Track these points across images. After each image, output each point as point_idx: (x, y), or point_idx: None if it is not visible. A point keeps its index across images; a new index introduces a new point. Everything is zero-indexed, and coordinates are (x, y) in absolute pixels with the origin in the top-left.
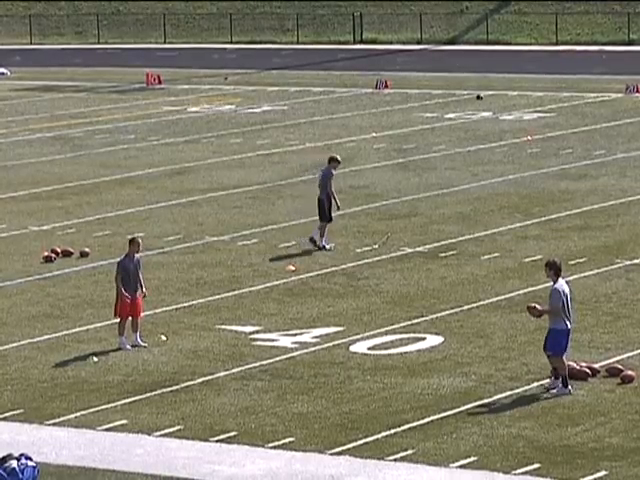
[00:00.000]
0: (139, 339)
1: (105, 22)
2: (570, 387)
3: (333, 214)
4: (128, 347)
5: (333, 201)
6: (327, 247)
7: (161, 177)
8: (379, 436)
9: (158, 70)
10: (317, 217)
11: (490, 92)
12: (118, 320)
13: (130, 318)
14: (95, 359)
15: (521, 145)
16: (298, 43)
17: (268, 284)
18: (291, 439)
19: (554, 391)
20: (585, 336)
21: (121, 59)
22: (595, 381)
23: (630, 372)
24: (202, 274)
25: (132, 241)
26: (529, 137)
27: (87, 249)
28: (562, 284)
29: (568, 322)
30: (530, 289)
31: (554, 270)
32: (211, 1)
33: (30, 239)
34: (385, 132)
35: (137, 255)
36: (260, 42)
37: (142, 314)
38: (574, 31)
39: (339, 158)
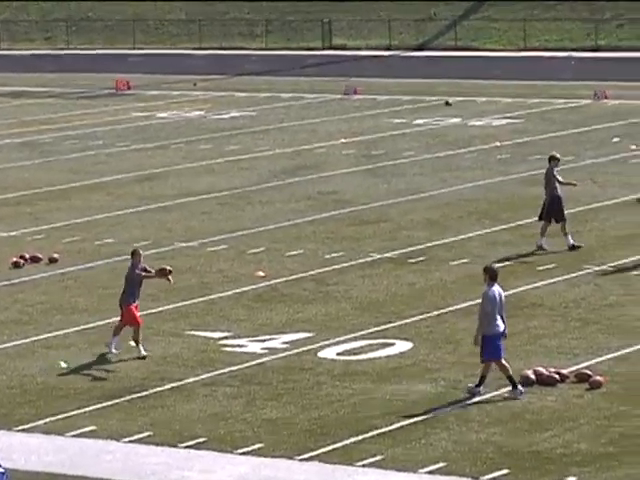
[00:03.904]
0: (142, 348)
1: (74, 28)
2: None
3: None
4: (114, 351)
5: (564, 184)
6: (544, 246)
7: (130, 183)
8: (348, 442)
9: (127, 76)
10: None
11: (459, 98)
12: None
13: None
14: (64, 365)
15: (490, 151)
16: (267, 49)
17: (237, 290)
18: (260, 445)
19: (470, 393)
20: (554, 342)
21: (90, 65)
22: (564, 387)
23: (599, 378)
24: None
25: (134, 252)
26: (498, 143)
27: (56, 255)
28: (494, 289)
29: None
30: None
31: (489, 274)
32: (180, 6)
33: None
34: (354, 138)
35: (141, 265)
36: (229, 48)
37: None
38: (542, 37)
39: (558, 156)
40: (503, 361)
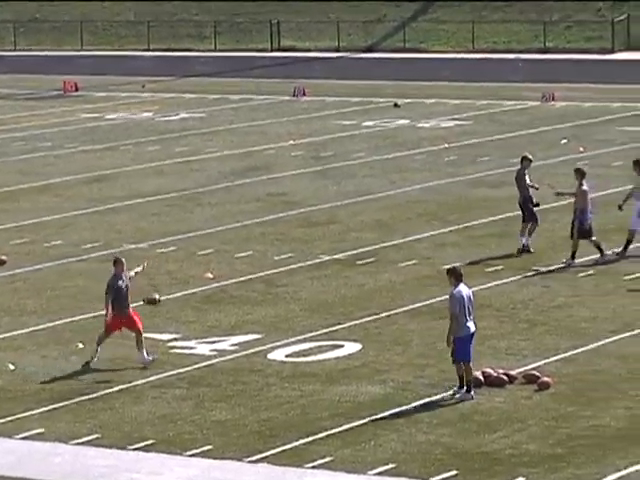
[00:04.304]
0: (146, 356)
1: (22, 29)
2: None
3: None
4: (96, 360)
5: (532, 188)
6: (530, 249)
7: (79, 185)
8: (297, 443)
9: (75, 77)
10: None
11: (408, 100)
12: (104, 331)
13: (133, 335)
14: (12, 367)
15: (439, 152)
16: (216, 50)
17: (186, 291)
18: (209, 447)
19: (457, 396)
20: (502, 343)
21: (38, 66)
22: (512, 388)
23: (547, 379)
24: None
25: (116, 261)
26: (447, 144)
27: (4, 257)
28: (461, 289)
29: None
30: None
31: (454, 275)
32: (129, 7)
33: None
34: (303, 139)
35: (126, 273)
36: (178, 49)
37: (141, 328)
38: (491, 39)
39: (530, 157)
40: (471, 364)
